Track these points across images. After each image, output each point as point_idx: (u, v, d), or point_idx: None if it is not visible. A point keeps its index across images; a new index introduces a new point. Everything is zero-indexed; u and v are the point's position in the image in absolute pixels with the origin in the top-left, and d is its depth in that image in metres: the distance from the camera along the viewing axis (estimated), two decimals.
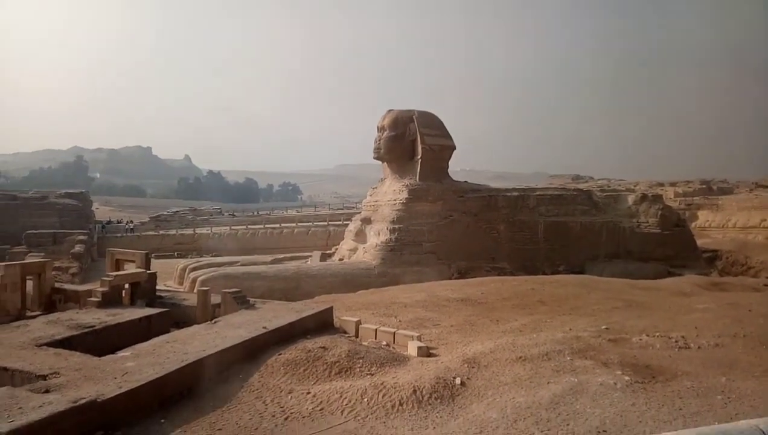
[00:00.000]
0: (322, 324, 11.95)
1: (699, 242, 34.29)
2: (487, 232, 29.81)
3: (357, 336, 11.99)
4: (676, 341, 10.59)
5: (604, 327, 12.03)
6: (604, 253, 30.54)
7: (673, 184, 65.06)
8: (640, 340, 10.80)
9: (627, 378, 8.04)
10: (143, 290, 13.78)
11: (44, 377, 7.71)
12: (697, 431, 3.58)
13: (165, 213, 64.05)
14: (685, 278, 24.00)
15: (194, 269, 27.79)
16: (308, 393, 8.12)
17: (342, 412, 7.58)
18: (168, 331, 11.31)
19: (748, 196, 52.32)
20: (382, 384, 8.25)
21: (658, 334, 11.17)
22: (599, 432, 6.44)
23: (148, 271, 14.48)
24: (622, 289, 18.44)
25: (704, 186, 61.92)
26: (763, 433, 3.33)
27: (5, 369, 8.17)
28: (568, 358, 9.15)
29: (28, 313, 13.14)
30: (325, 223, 51.26)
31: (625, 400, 7.23)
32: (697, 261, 31.82)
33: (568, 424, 6.68)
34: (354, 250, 30.32)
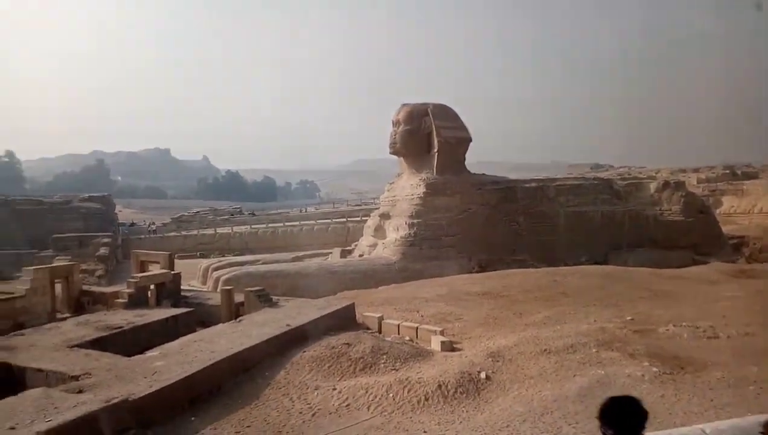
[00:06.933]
0: (345, 320, 12.01)
1: (724, 229, 33.67)
2: (506, 224, 29.61)
3: (380, 332, 12.04)
4: (704, 331, 10.44)
5: (629, 318, 11.91)
6: (627, 242, 30.12)
7: (695, 171, 63.88)
8: (667, 330, 10.68)
9: (655, 369, 7.95)
10: (168, 291, 13.99)
11: (77, 378, 7.90)
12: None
13: (186, 214, 64.71)
14: (711, 266, 23.56)
15: (217, 269, 28.09)
16: (334, 389, 8.18)
17: (368, 407, 7.63)
18: (194, 331, 11.49)
19: None
20: (406, 379, 8.28)
21: (685, 323, 11.02)
22: None
23: (173, 272, 14.70)
24: (647, 279, 18.19)
25: (728, 171, 60.60)
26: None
27: (40, 370, 8.40)
28: (594, 350, 9.08)
29: (58, 316, 13.44)
30: (344, 220, 51.36)
31: (654, 392, 7.16)
32: (723, 248, 31.25)
33: None
34: (373, 245, 30.34)
